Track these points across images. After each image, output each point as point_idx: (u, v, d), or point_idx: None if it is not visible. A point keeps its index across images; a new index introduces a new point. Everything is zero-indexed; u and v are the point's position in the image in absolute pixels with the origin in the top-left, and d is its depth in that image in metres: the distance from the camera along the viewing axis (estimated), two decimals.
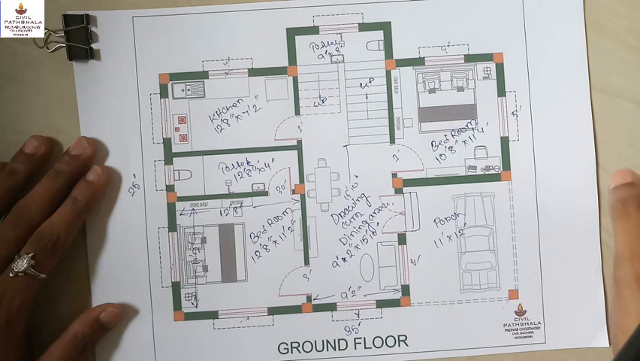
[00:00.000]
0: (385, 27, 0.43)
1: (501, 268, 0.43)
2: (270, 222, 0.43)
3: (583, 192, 0.43)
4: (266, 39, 0.43)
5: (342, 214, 0.43)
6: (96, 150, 0.42)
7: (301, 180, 0.43)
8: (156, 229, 0.43)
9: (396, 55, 0.43)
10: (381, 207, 0.43)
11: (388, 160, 0.43)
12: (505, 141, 0.43)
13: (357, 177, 0.43)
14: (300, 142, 0.43)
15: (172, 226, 0.43)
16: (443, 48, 0.43)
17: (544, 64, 0.43)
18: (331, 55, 0.43)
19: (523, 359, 0.43)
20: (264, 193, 0.43)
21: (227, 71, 0.43)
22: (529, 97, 0.43)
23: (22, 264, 0.39)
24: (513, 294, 0.43)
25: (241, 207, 0.43)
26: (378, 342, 0.43)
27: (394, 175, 0.43)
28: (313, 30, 0.43)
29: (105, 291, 0.43)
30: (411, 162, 0.43)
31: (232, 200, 0.43)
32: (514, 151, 0.43)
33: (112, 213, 0.43)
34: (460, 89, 0.43)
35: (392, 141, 0.43)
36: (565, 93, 0.43)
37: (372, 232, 0.43)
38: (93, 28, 0.42)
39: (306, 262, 0.43)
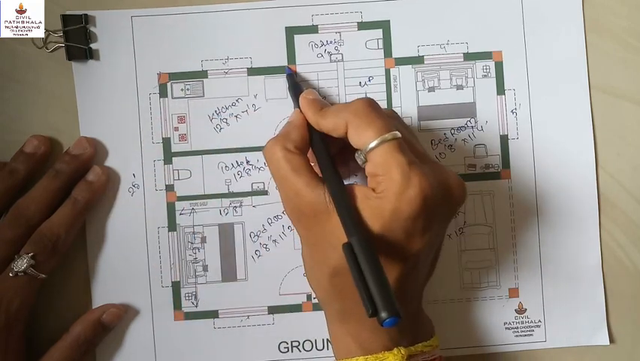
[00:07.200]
0: (384, 26, 0.43)
1: (501, 267, 0.43)
2: (269, 221, 0.43)
3: (582, 191, 0.43)
4: (265, 38, 0.43)
5: None
6: (96, 150, 0.42)
7: None
8: (156, 229, 0.43)
9: (396, 53, 0.43)
10: None
11: None
12: (504, 140, 0.43)
13: (356, 175, 0.43)
14: None
15: (172, 226, 0.43)
16: (442, 46, 0.43)
17: (543, 62, 0.43)
18: (330, 54, 0.43)
19: (523, 357, 0.43)
20: (264, 192, 0.43)
21: (226, 71, 0.43)
22: (528, 95, 0.43)
23: (22, 264, 0.39)
24: (513, 292, 0.43)
25: (241, 206, 0.43)
26: None
27: None
28: (312, 29, 0.43)
29: (105, 291, 0.42)
30: None
31: (232, 199, 0.43)
32: (514, 149, 0.43)
33: (112, 213, 0.43)
34: (460, 87, 0.43)
35: None
36: (564, 92, 0.43)
37: None
38: (92, 28, 0.42)
39: None
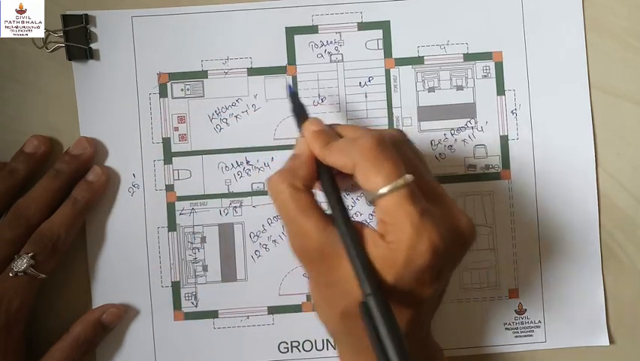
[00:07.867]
0: (384, 26, 0.43)
1: (501, 267, 0.43)
2: (269, 221, 0.43)
3: (582, 192, 0.43)
4: (265, 38, 0.43)
5: None
6: (96, 150, 0.42)
7: None
8: (156, 229, 0.43)
9: (396, 54, 0.43)
10: None
11: None
12: (504, 140, 0.43)
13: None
14: None
15: (172, 226, 0.43)
16: (442, 47, 0.43)
17: (543, 62, 0.43)
18: (330, 54, 0.43)
19: (523, 358, 0.43)
20: (264, 193, 0.43)
21: (226, 71, 0.43)
22: (528, 95, 0.43)
23: (21, 264, 0.39)
24: (513, 293, 0.43)
25: (241, 206, 0.43)
26: None
27: None
28: (312, 29, 0.43)
29: (105, 291, 0.43)
30: None
31: (232, 199, 0.43)
32: (514, 150, 0.43)
33: (112, 213, 0.43)
34: (460, 87, 0.43)
35: None
36: (564, 92, 0.43)
37: None
38: (92, 28, 0.43)
39: None
